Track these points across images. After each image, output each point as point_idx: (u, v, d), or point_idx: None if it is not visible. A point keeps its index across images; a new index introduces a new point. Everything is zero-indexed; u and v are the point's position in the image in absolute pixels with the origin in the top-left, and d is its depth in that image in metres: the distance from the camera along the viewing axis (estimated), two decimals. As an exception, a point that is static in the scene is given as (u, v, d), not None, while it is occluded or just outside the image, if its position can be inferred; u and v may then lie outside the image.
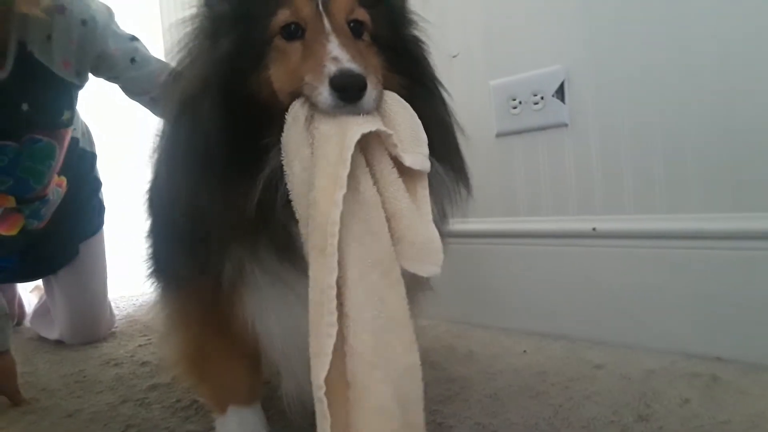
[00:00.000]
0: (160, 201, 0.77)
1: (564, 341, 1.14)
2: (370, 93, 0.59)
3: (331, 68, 0.58)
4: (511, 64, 1.20)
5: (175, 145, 0.69)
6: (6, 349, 1.10)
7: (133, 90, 1.33)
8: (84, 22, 1.20)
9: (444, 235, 0.66)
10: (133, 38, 1.31)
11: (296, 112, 0.61)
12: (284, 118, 0.62)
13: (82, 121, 1.48)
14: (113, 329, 1.61)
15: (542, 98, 1.15)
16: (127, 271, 2.57)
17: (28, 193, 1.33)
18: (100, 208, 1.58)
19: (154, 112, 1.32)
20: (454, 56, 1.29)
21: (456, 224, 1.31)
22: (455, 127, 0.76)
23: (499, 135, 1.24)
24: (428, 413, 0.87)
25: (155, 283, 0.84)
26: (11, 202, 1.32)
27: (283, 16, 0.65)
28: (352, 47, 0.63)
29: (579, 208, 1.13)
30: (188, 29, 0.71)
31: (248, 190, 0.62)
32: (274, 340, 0.71)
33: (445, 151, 0.72)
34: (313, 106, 0.60)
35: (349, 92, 0.58)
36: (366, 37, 0.69)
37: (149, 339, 1.49)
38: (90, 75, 1.31)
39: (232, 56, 0.66)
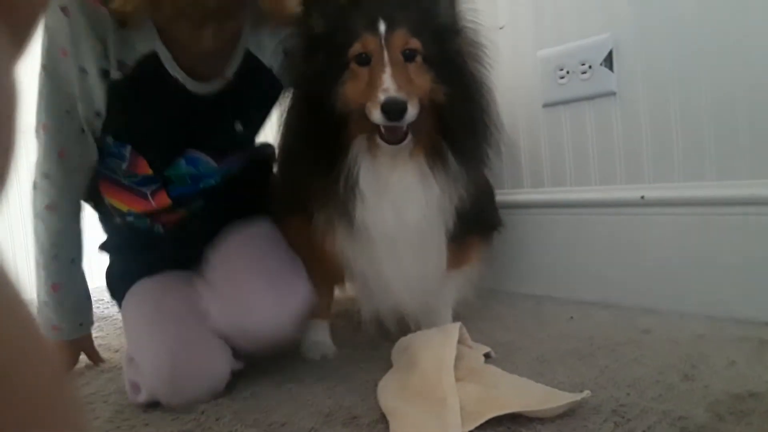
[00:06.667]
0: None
1: (612, 308, 1.15)
2: (410, 112, 0.83)
3: (381, 97, 0.82)
4: (559, 34, 1.20)
5: (287, 135, 0.98)
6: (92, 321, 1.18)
7: None
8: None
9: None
10: None
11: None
12: (352, 124, 0.88)
13: None
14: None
15: (590, 67, 1.15)
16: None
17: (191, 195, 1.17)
18: None
19: None
20: (501, 28, 1.30)
21: (504, 195, 1.35)
22: (489, 123, 0.94)
23: (546, 105, 1.25)
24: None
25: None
26: (165, 199, 1.12)
27: (356, 47, 0.87)
28: (402, 75, 0.84)
29: (627, 176, 1.13)
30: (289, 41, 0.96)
31: (330, 173, 0.89)
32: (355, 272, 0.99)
33: (476, 142, 0.94)
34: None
35: (394, 114, 0.82)
36: (418, 59, 0.88)
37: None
38: None
39: (323, 71, 0.89)
